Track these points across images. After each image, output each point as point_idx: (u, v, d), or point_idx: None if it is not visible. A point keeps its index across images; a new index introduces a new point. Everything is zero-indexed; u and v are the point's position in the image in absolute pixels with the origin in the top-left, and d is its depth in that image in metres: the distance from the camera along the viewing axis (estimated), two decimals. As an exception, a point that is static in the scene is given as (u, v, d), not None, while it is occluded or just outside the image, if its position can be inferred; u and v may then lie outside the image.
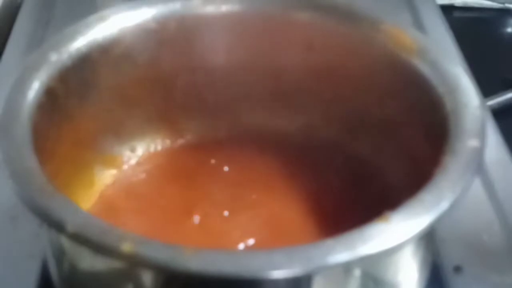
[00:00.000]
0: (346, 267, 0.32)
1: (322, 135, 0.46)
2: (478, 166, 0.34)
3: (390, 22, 0.42)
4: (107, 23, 0.42)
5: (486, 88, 0.50)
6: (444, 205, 0.31)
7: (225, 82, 0.46)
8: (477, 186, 0.47)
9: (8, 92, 0.37)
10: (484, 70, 0.51)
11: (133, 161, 0.46)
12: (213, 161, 0.46)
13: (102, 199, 0.43)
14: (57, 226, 0.31)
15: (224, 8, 0.44)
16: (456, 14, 0.70)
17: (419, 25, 0.63)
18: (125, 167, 0.45)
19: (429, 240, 0.36)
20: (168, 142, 0.47)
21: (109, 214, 0.42)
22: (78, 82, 0.40)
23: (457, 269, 0.42)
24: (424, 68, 0.39)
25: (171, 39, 0.44)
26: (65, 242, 0.34)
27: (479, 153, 0.34)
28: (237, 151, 0.46)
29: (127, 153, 0.46)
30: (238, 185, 0.44)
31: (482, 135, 0.35)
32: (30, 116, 0.36)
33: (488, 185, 0.47)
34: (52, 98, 0.38)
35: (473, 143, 0.34)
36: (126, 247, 0.29)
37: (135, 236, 0.30)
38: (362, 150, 0.44)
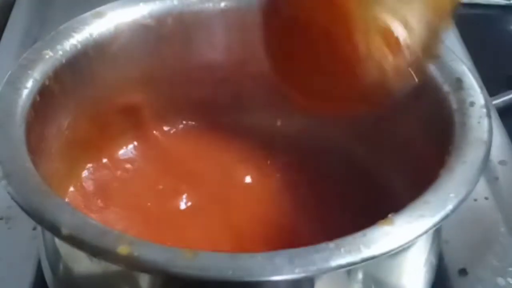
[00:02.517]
0: (349, 270, 0.31)
1: (324, 136, 0.45)
2: (484, 166, 0.33)
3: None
4: (104, 19, 0.42)
5: (492, 87, 0.50)
6: (448, 207, 0.31)
7: (223, 80, 0.46)
8: (482, 186, 0.47)
9: (1, 90, 0.36)
10: (490, 68, 0.51)
11: (130, 161, 0.45)
12: (212, 160, 0.45)
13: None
14: (52, 228, 0.30)
15: (223, 4, 0.44)
16: (462, 10, 0.70)
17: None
18: (121, 165, 0.45)
19: (433, 243, 0.36)
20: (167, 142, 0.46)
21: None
22: (73, 80, 0.40)
23: (462, 272, 0.42)
24: (429, 67, 0.38)
25: (168, 35, 0.43)
26: (60, 245, 0.34)
27: (485, 153, 0.34)
28: (236, 151, 0.46)
29: (122, 152, 0.45)
30: (238, 185, 0.44)
31: (487, 135, 0.35)
32: (24, 115, 0.36)
33: (493, 185, 0.47)
34: (46, 96, 0.38)
35: (478, 142, 0.34)
36: (123, 249, 0.29)
37: (132, 238, 0.29)
38: (366, 151, 0.44)
